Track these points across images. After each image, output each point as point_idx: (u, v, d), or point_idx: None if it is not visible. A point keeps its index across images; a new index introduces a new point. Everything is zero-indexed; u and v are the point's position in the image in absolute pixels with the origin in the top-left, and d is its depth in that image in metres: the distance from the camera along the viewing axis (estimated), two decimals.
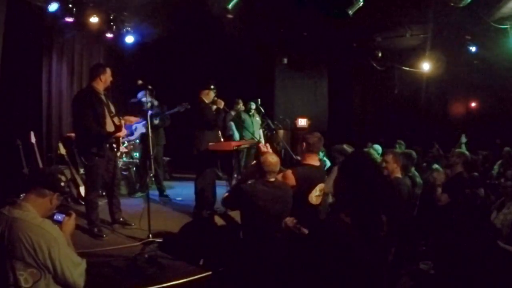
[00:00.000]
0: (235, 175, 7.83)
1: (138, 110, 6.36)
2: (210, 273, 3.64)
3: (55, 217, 2.41)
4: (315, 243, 1.83)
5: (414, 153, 5.34)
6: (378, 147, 7.15)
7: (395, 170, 4.17)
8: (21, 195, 2.33)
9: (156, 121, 6.84)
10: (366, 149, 6.37)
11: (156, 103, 6.80)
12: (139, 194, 6.73)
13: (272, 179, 3.32)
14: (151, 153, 5.03)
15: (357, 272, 1.73)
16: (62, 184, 2.33)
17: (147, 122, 5.09)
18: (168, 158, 8.15)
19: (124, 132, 4.91)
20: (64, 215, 2.42)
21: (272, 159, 3.31)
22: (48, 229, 2.15)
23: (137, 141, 7.33)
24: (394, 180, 4.05)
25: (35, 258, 2.08)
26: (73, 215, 2.45)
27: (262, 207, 3.22)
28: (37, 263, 2.09)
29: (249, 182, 3.47)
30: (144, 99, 6.64)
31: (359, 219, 1.76)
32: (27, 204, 2.19)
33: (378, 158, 6.15)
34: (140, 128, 6.91)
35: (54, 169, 2.64)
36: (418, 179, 5.13)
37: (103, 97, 4.70)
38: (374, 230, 1.83)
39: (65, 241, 2.25)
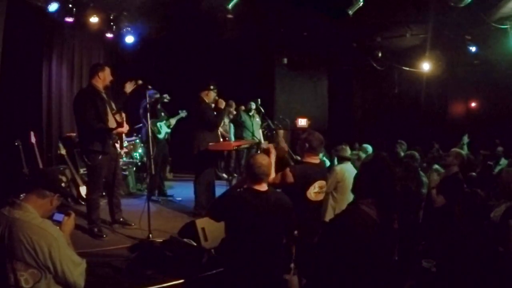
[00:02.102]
0: (235, 175, 7.85)
1: (153, 110, 6.37)
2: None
3: (54, 217, 2.41)
4: (336, 232, 2.09)
5: (417, 154, 5.35)
6: (368, 147, 7.15)
7: None
8: (21, 195, 2.32)
9: (173, 121, 6.87)
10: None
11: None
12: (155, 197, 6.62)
13: (265, 188, 2.92)
14: (151, 153, 5.04)
15: (375, 258, 1.97)
16: (63, 185, 2.33)
17: (147, 122, 5.09)
18: (169, 158, 8.16)
19: (126, 128, 4.92)
20: (63, 215, 2.42)
21: (263, 160, 2.94)
22: (48, 229, 2.15)
23: (137, 141, 7.32)
24: None
25: (35, 258, 2.08)
26: (73, 215, 2.45)
27: (246, 220, 2.79)
28: (37, 264, 2.09)
29: (238, 190, 3.11)
30: (157, 96, 6.67)
31: (380, 209, 2.10)
32: (27, 204, 2.18)
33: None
34: (164, 127, 6.77)
35: (55, 170, 2.63)
36: (424, 178, 5.15)
37: (103, 94, 4.70)
38: (391, 221, 2.17)
39: (65, 241, 2.25)
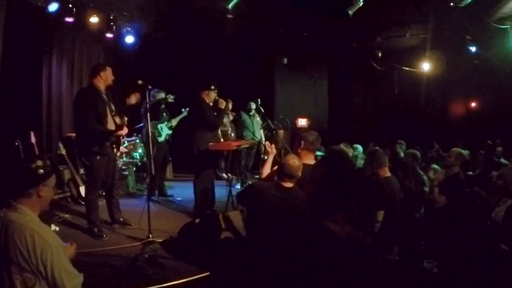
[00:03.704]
0: (235, 175, 7.84)
1: (155, 110, 6.35)
2: (210, 273, 3.64)
3: None
4: (306, 254, 1.66)
5: (418, 153, 5.36)
6: (359, 147, 7.15)
7: (384, 170, 3.99)
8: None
9: (175, 122, 6.85)
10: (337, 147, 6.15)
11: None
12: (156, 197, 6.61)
13: (289, 185, 3.19)
14: (151, 153, 5.02)
15: (350, 280, 1.62)
16: (41, 171, 2.16)
17: (147, 122, 5.08)
18: (169, 158, 8.15)
19: (125, 130, 4.90)
20: (65, 244, 2.36)
21: (294, 162, 3.16)
22: (43, 234, 2.09)
23: (137, 141, 7.31)
24: (383, 180, 3.90)
25: (28, 262, 2.03)
26: (75, 245, 2.39)
27: (266, 210, 3.09)
28: (30, 267, 2.03)
29: (265, 182, 3.42)
30: (160, 96, 6.64)
31: (350, 222, 1.68)
32: (22, 206, 2.13)
33: (361, 157, 6.17)
34: (165, 129, 6.73)
35: (25, 162, 2.39)
36: (424, 177, 5.16)
37: (104, 96, 4.69)
38: (363, 236, 1.77)
39: (62, 250, 2.17)
